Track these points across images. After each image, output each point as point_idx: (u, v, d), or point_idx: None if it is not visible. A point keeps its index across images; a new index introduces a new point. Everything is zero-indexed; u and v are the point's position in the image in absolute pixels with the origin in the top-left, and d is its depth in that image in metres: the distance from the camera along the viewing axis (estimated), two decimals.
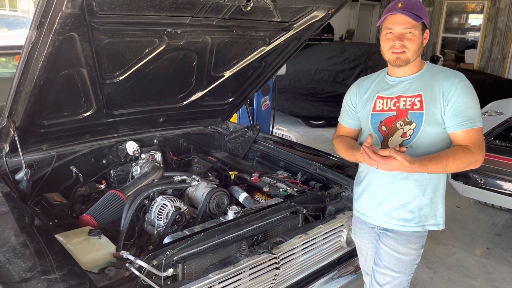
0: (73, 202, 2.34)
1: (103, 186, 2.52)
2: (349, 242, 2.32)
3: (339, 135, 2.12)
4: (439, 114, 1.78)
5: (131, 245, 2.11)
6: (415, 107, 1.81)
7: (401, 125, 1.83)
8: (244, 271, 1.81)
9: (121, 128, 2.79)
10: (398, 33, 1.78)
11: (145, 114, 2.80)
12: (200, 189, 2.40)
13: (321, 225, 2.20)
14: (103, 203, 2.15)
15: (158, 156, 2.79)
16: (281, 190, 2.49)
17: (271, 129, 4.84)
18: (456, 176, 3.91)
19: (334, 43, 11.00)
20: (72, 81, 2.14)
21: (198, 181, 2.43)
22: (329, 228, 2.22)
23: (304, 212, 2.24)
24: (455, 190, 4.01)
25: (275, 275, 1.94)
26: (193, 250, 1.80)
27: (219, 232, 1.91)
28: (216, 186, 2.44)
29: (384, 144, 1.87)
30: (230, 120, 3.52)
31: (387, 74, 1.94)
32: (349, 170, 2.64)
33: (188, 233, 1.88)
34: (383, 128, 1.89)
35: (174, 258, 1.72)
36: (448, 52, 11.58)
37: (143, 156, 2.72)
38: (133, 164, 2.67)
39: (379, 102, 1.91)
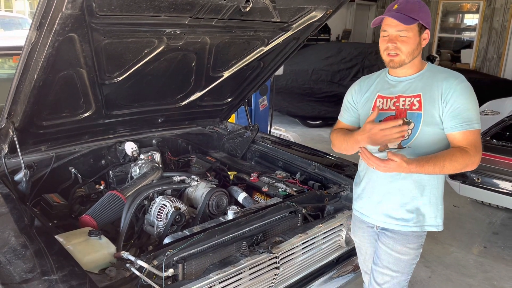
0: (73, 203, 2.34)
1: (102, 187, 2.52)
2: (348, 241, 2.33)
3: (336, 129, 2.13)
4: (437, 115, 1.78)
5: (131, 246, 2.11)
6: (413, 107, 1.82)
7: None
8: (244, 271, 1.82)
9: (120, 129, 2.79)
10: (392, 35, 1.79)
11: (144, 115, 2.80)
12: (199, 189, 2.40)
13: (320, 225, 2.21)
14: (102, 203, 2.15)
15: (157, 156, 2.79)
16: (280, 190, 2.50)
17: (269, 129, 4.85)
18: (453, 175, 3.93)
19: (331, 43, 11.02)
20: (72, 82, 2.14)
21: (197, 181, 2.44)
22: (328, 228, 2.22)
23: (303, 211, 2.25)
24: (452, 189, 4.03)
25: (275, 274, 1.95)
26: (193, 250, 1.81)
27: (219, 232, 1.91)
28: (215, 186, 2.45)
29: (383, 144, 1.88)
30: (229, 120, 3.53)
31: (388, 73, 1.95)
32: (347, 170, 2.65)
33: (188, 233, 1.88)
34: None
35: (174, 258, 1.73)
36: (444, 52, 11.62)
37: (142, 156, 2.72)
38: (132, 165, 2.67)
39: (379, 101, 1.92)
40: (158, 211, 2.16)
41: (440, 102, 1.77)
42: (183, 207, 2.21)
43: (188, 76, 2.71)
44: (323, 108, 7.66)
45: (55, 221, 2.07)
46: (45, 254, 1.57)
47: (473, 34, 11.09)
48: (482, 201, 4.53)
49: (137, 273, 1.58)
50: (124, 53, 2.18)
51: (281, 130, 5.09)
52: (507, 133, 4.25)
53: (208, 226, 1.96)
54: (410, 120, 1.82)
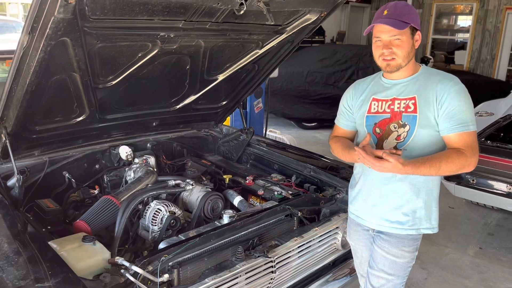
0: (66, 208, 2.32)
1: (96, 192, 2.50)
2: (344, 244, 2.33)
3: (335, 136, 2.13)
4: (433, 117, 1.79)
5: (126, 251, 2.09)
6: (409, 110, 1.82)
7: (395, 128, 1.84)
8: (240, 275, 1.80)
9: (114, 133, 2.78)
10: (386, 41, 1.79)
11: (138, 118, 2.79)
12: (194, 193, 2.39)
13: (316, 228, 2.20)
14: (96, 208, 2.13)
15: (152, 160, 2.78)
16: (275, 193, 2.49)
17: (264, 131, 4.84)
18: (448, 177, 3.94)
19: (326, 45, 11.04)
20: (65, 86, 2.12)
21: (192, 185, 2.43)
22: (324, 231, 2.22)
23: (299, 215, 2.24)
24: (447, 191, 4.04)
25: (271, 278, 1.94)
26: (189, 255, 1.79)
27: (215, 236, 1.90)
28: (210, 190, 2.43)
29: (379, 146, 1.88)
30: (224, 123, 3.52)
31: (383, 76, 1.95)
32: (343, 172, 2.65)
33: (183, 238, 1.87)
34: (377, 130, 1.90)
35: (170, 264, 1.71)
36: (438, 54, 11.68)
37: (136, 160, 2.70)
38: (127, 169, 2.66)
39: (374, 104, 1.92)
40: (153, 216, 2.14)
41: (435, 104, 1.77)
42: (178, 212, 2.19)
43: (183, 80, 2.70)
44: (318, 110, 7.68)
45: (49, 227, 2.05)
46: (39, 261, 1.55)
47: (467, 35, 11.17)
48: (477, 202, 4.55)
49: (132, 279, 1.57)
50: (118, 57, 2.17)
51: (277, 133, 5.09)
52: (502, 134, 4.28)
53: (203, 230, 1.95)
54: (406, 123, 1.82)
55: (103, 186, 2.63)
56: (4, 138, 2.10)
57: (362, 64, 7.72)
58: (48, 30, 1.63)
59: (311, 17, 2.46)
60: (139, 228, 2.20)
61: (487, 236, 4.13)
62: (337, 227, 2.29)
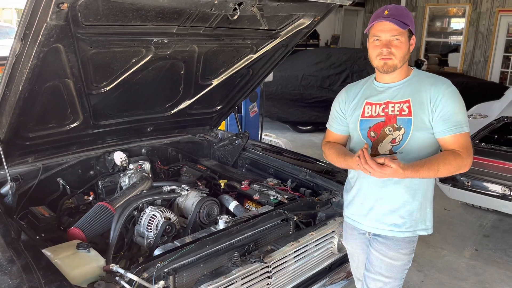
0: (61, 215, 2.30)
1: (91, 198, 2.48)
2: (340, 248, 2.32)
3: (328, 142, 2.13)
4: (427, 120, 1.80)
5: (121, 258, 2.08)
6: (403, 113, 1.82)
7: (390, 131, 1.85)
8: (236, 281, 1.80)
9: (109, 139, 2.76)
10: (386, 40, 1.79)
11: (132, 124, 2.78)
12: (190, 198, 2.38)
13: (312, 232, 2.20)
14: (91, 215, 2.12)
15: (147, 166, 2.76)
16: (271, 197, 2.48)
17: (259, 135, 4.84)
18: (443, 179, 3.96)
19: (320, 48, 11.08)
20: (58, 92, 2.11)
21: (187, 190, 2.42)
22: (320, 235, 2.22)
23: (295, 219, 2.24)
24: (442, 193, 4.05)
25: (268, 284, 1.93)
26: (184, 261, 1.78)
27: (210, 242, 1.89)
28: (206, 195, 2.42)
29: (374, 150, 1.88)
30: (219, 128, 3.51)
31: (375, 80, 1.95)
32: (338, 176, 2.65)
33: (179, 244, 1.86)
34: (372, 134, 1.90)
35: (165, 270, 1.70)
36: (431, 56, 11.74)
37: (131, 166, 2.69)
38: (121, 175, 2.64)
39: (368, 108, 1.92)
40: (148, 222, 2.13)
41: (430, 107, 1.79)
42: (173, 217, 2.18)
43: (177, 85, 2.70)
44: (314, 114, 7.69)
45: (43, 234, 2.04)
46: (33, 269, 1.54)
47: (460, 38, 11.24)
48: (472, 204, 4.56)
49: (127, 286, 1.56)
50: (111, 63, 2.17)
51: (272, 136, 5.09)
52: (496, 136, 4.30)
53: (199, 236, 1.94)
54: (401, 126, 1.82)
55: (97, 193, 2.62)
56: None
57: (356, 67, 7.75)
58: (40, 37, 1.62)
59: (305, 22, 2.46)
60: (134, 235, 2.19)
61: (482, 238, 4.15)
62: (333, 231, 2.29)
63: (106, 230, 2.10)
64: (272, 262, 1.94)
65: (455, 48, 11.57)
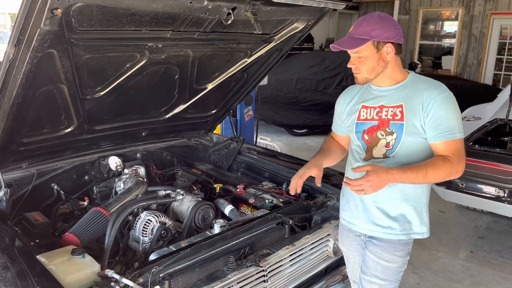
0: (55, 221, 2.29)
1: (85, 203, 2.47)
2: (336, 251, 2.33)
3: (328, 139, 2.20)
4: (419, 125, 1.80)
5: (116, 263, 2.07)
6: (396, 118, 1.83)
7: (382, 135, 1.86)
8: (232, 285, 1.80)
9: (103, 143, 2.76)
10: (352, 57, 1.86)
11: (127, 129, 2.77)
12: (185, 203, 2.38)
13: (308, 235, 2.20)
14: (86, 220, 2.11)
15: (142, 170, 2.76)
16: (266, 201, 2.49)
17: (254, 139, 4.84)
18: None
19: (315, 52, 11.13)
20: (52, 97, 2.11)
21: (182, 195, 2.41)
22: (315, 238, 2.22)
23: (290, 222, 2.24)
24: (437, 195, 4.07)
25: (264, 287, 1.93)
26: (180, 266, 1.78)
27: (206, 246, 1.89)
28: (201, 199, 2.42)
29: (369, 153, 1.90)
30: (214, 131, 3.51)
31: (372, 84, 1.97)
32: (333, 179, 2.66)
33: (174, 249, 1.86)
34: (366, 137, 1.91)
35: (161, 275, 1.70)
36: (425, 59, 11.82)
37: (126, 171, 2.68)
38: (116, 180, 2.63)
39: (363, 111, 1.94)
40: (143, 227, 2.12)
41: (422, 112, 1.79)
42: (168, 222, 2.18)
43: (172, 89, 2.70)
44: (309, 117, 7.71)
45: (37, 240, 2.03)
46: (27, 275, 1.53)
47: (453, 41, 11.32)
48: (467, 206, 4.59)
49: None
50: (106, 68, 2.16)
51: (267, 140, 5.10)
52: (489, 138, 4.33)
53: (194, 240, 1.94)
54: (393, 130, 1.83)
55: (92, 198, 2.61)
56: None
57: (350, 70, 7.76)
58: (34, 42, 1.62)
59: (299, 26, 2.47)
60: (129, 240, 2.18)
61: (477, 240, 4.17)
62: (328, 234, 2.29)
63: (101, 235, 2.10)
64: (267, 266, 1.94)
65: (449, 51, 11.66)
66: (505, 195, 3.68)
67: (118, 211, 2.15)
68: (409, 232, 1.91)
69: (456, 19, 11.19)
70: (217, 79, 2.80)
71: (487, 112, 5.01)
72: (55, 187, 2.48)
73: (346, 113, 2.02)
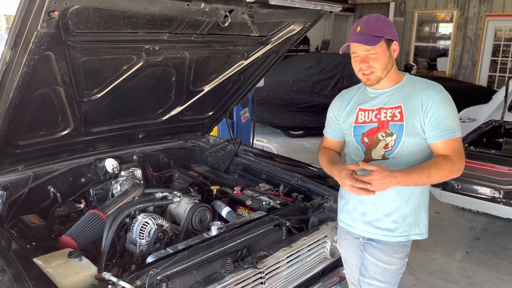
0: (52, 223, 2.28)
1: (82, 206, 2.47)
2: (333, 252, 2.33)
3: (324, 147, 2.15)
4: (419, 125, 1.81)
5: (113, 266, 2.07)
6: (395, 119, 1.84)
7: (382, 137, 1.86)
8: None
9: (100, 146, 2.75)
10: (362, 56, 1.82)
11: (124, 131, 2.77)
12: (182, 205, 2.38)
13: (305, 237, 2.20)
14: (83, 223, 2.10)
15: (138, 172, 2.76)
16: (264, 203, 2.49)
17: (251, 141, 4.85)
18: None
19: (311, 54, 11.14)
20: (49, 100, 2.10)
21: (179, 197, 2.41)
22: (313, 240, 2.22)
23: (287, 224, 2.24)
24: (433, 196, 4.09)
25: None
26: (177, 268, 1.78)
27: (203, 248, 1.89)
28: (198, 201, 2.42)
29: (367, 155, 1.90)
30: (210, 133, 3.51)
31: (368, 86, 1.97)
32: (330, 181, 2.66)
33: (172, 251, 1.85)
34: (366, 139, 1.92)
35: (158, 278, 1.69)
36: (421, 61, 11.87)
37: (122, 173, 2.68)
38: (113, 182, 2.63)
39: (361, 114, 1.94)
40: (140, 229, 2.12)
41: (421, 112, 1.80)
42: (165, 224, 2.17)
43: (168, 91, 2.70)
44: (305, 118, 7.72)
45: (34, 243, 2.01)
46: (24, 279, 1.53)
47: (448, 42, 11.37)
48: (463, 207, 4.61)
49: None
50: (103, 70, 2.16)
51: (264, 141, 5.10)
52: (484, 140, 4.35)
53: (191, 243, 1.94)
54: (393, 131, 1.84)
55: (89, 200, 2.60)
56: None
57: (347, 72, 7.79)
58: (31, 45, 1.62)
59: (295, 28, 2.48)
60: (126, 242, 2.17)
61: (473, 241, 4.18)
62: (325, 236, 2.29)
63: (98, 238, 2.09)
64: (265, 267, 1.94)
65: (444, 53, 11.71)
66: (501, 196, 3.70)
67: (115, 213, 2.14)
68: (408, 233, 1.92)
69: (451, 21, 11.24)
70: (214, 81, 2.81)
71: (482, 114, 5.04)
72: (52, 189, 2.47)
73: (343, 117, 2.02)
